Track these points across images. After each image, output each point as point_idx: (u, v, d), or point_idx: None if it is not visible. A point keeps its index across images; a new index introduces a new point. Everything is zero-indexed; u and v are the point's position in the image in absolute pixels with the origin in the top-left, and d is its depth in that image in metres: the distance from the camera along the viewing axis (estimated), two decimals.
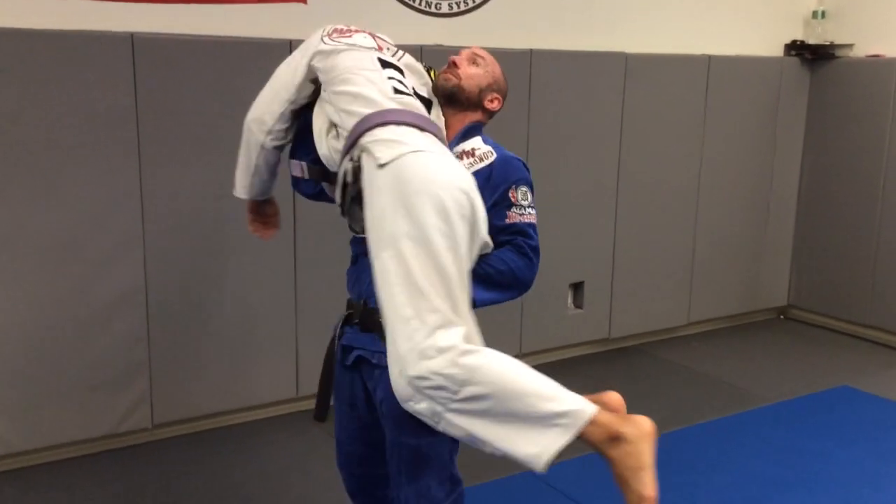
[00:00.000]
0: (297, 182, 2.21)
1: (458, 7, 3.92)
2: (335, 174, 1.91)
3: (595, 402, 1.58)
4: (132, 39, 3.18)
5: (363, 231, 1.81)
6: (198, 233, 3.42)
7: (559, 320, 4.48)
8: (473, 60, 2.21)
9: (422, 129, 1.82)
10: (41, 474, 3.22)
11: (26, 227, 3.10)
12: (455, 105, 2.16)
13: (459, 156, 2.11)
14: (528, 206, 2.13)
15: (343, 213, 1.92)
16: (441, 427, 1.64)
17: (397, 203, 1.64)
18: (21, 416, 3.18)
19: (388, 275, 1.61)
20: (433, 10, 3.86)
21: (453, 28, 3.93)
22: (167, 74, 3.27)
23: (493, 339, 1.74)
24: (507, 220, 2.09)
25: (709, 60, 4.72)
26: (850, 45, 5.02)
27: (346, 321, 2.11)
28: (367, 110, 1.81)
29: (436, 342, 1.54)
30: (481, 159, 2.13)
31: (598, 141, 4.43)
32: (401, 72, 1.99)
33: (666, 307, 4.89)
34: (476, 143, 2.17)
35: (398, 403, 1.74)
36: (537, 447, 1.50)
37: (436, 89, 2.13)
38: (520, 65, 4.01)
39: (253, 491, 3.14)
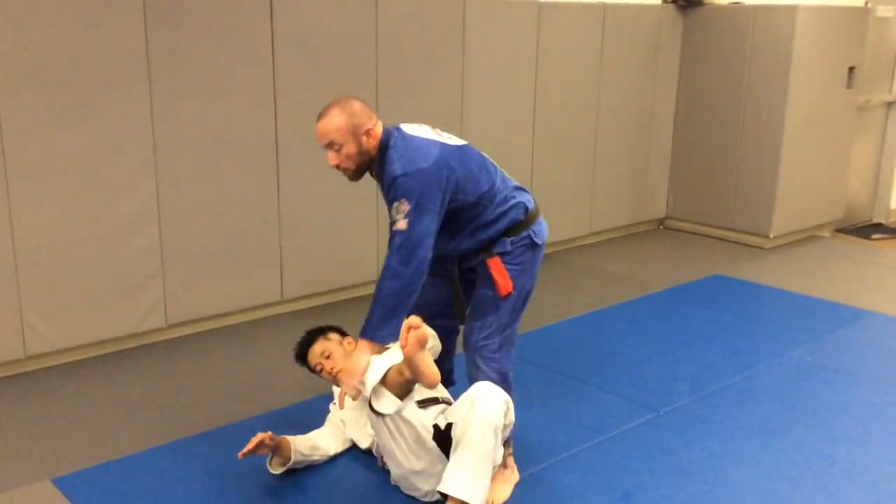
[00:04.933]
0: None
1: None
2: None
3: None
4: None
5: None
6: (200, 158, 3.96)
7: None
8: (330, 146, 2.43)
9: None
10: (76, 369, 3.73)
11: (58, 154, 3.56)
12: (370, 171, 2.54)
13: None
14: (399, 216, 2.38)
15: None
16: None
17: None
18: (57, 318, 3.68)
19: None
20: None
21: None
22: (172, 19, 3.75)
23: None
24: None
25: (604, 8, 5.55)
26: None
27: None
28: None
29: None
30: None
31: (518, 78, 5.19)
32: None
33: (572, 220, 5.79)
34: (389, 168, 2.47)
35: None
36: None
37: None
38: (454, 9, 4.71)
39: (249, 381, 3.67)
